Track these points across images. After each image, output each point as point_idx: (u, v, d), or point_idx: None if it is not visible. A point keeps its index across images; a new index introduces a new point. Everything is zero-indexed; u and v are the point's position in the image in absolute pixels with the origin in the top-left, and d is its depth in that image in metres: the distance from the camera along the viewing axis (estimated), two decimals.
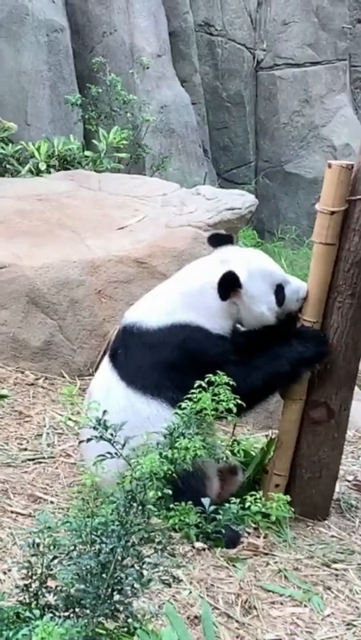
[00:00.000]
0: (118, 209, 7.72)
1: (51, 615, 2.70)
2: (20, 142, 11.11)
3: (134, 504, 2.86)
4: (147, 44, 13.61)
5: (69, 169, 10.40)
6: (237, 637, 3.90)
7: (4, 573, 4.00)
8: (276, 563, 4.53)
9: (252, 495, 3.12)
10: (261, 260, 5.12)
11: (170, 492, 2.96)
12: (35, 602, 2.90)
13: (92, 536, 2.87)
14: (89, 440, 3.19)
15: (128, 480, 2.88)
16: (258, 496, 3.13)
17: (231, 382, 4.07)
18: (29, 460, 5.31)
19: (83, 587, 2.83)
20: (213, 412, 3.91)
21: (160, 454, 2.91)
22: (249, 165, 15.17)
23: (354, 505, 5.29)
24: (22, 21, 12.76)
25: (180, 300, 4.89)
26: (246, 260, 4.97)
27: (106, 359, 5.05)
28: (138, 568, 2.90)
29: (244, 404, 4.27)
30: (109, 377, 4.84)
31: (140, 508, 2.86)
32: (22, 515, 4.60)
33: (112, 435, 3.14)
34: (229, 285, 4.81)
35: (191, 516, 3.35)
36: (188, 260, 5.24)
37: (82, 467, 5.08)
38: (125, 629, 2.94)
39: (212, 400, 3.66)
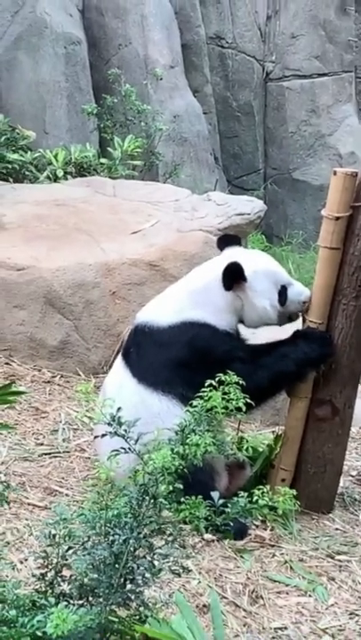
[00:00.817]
0: (132, 214, 7.72)
1: (65, 603, 2.70)
2: (39, 150, 11.12)
3: (147, 497, 2.86)
4: (160, 56, 13.61)
5: (85, 176, 10.41)
6: (245, 625, 3.90)
7: (21, 562, 4.00)
8: (282, 554, 4.53)
9: (259, 489, 3.11)
10: (267, 260, 5.14)
11: (181, 486, 2.95)
12: (50, 590, 2.90)
13: (106, 528, 2.86)
14: (103, 436, 3.19)
15: (141, 474, 2.88)
16: (265, 490, 3.13)
17: (241, 381, 4.07)
18: (45, 454, 5.31)
19: (96, 576, 2.82)
20: (223, 411, 3.90)
21: (172, 450, 2.90)
22: (258, 172, 15.16)
23: (357, 499, 5.28)
24: (41, 34, 12.77)
25: (187, 299, 4.90)
26: (253, 259, 4.99)
27: (119, 357, 5.06)
28: (149, 559, 2.89)
29: (251, 402, 4.26)
30: (122, 374, 4.86)
31: (152, 501, 2.86)
32: (38, 507, 4.61)
33: (126, 431, 3.13)
34: (233, 275, 4.82)
35: (201, 509, 3.34)
36: (199, 263, 5.24)
37: (96, 461, 5.09)
38: (137, 617, 2.94)
39: (222, 399, 3.65)
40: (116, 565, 2.80)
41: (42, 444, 5.45)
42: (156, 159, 12.50)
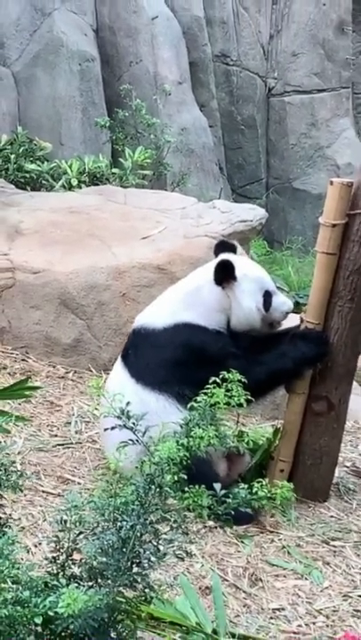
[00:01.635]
0: (142, 221, 7.72)
1: (76, 584, 2.70)
2: (55, 160, 11.14)
3: (153, 486, 2.86)
4: (169, 72, 13.59)
5: (98, 184, 10.40)
6: (244, 606, 3.90)
7: (35, 546, 4.01)
8: (280, 540, 4.54)
9: (258, 482, 3.12)
10: (258, 267, 5.18)
11: (185, 476, 2.96)
12: (62, 572, 2.91)
13: (115, 514, 2.87)
14: (113, 428, 3.20)
15: (147, 465, 2.88)
16: (264, 482, 3.14)
17: (243, 379, 4.07)
18: (59, 445, 5.32)
19: (105, 559, 2.83)
20: (226, 406, 3.90)
21: (177, 442, 2.91)
22: (260, 182, 15.13)
23: (351, 488, 5.28)
24: (57, 52, 12.78)
25: (181, 301, 4.93)
26: (244, 263, 5.03)
27: (118, 359, 5.07)
28: (155, 543, 2.90)
29: (250, 397, 4.26)
30: (121, 375, 4.86)
31: (157, 490, 2.86)
32: (52, 494, 4.62)
33: (134, 424, 3.14)
34: (224, 271, 4.84)
35: (204, 498, 3.33)
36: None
37: (105, 452, 5.09)
38: (143, 598, 2.94)
39: (225, 395, 3.66)
40: (124, 550, 2.80)
41: (56, 436, 5.45)
42: (164, 169, 12.48)
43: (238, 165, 15.08)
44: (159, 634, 3.43)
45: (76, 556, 2.94)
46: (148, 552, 2.87)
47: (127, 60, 13.53)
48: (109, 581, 2.80)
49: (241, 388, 3.36)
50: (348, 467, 5.59)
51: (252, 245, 10.09)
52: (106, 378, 6.12)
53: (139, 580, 2.86)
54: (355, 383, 5.21)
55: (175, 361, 4.78)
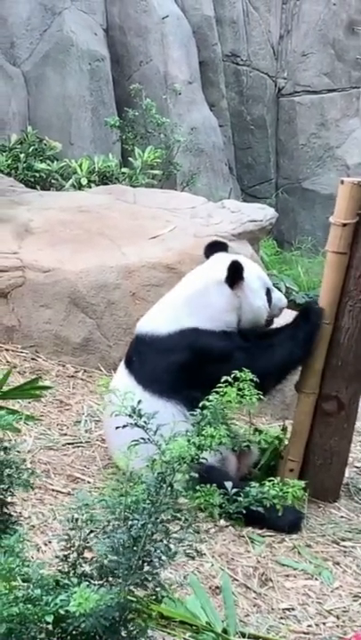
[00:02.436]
0: (151, 220, 7.71)
1: (87, 583, 2.70)
2: (65, 160, 11.14)
3: (164, 485, 2.85)
4: (179, 72, 13.59)
5: (108, 184, 10.40)
6: (254, 606, 3.90)
7: (45, 545, 4.01)
8: (290, 540, 4.54)
9: (270, 480, 3.12)
10: (255, 264, 5.18)
11: (196, 475, 2.95)
12: (73, 571, 2.90)
13: (125, 513, 2.86)
14: (124, 427, 3.19)
15: (158, 463, 2.87)
16: (276, 481, 3.13)
17: (255, 379, 4.06)
18: (69, 444, 5.32)
19: (116, 558, 2.82)
20: (237, 405, 3.89)
21: (188, 440, 2.90)
22: (270, 182, 15.12)
23: None
24: (68, 51, 12.79)
25: (185, 305, 4.91)
26: (244, 261, 5.02)
27: (121, 365, 5.06)
28: (165, 542, 2.89)
29: (262, 386, 4.26)
30: (126, 382, 4.81)
31: (169, 488, 2.86)
32: (62, 493, 4.62)
33: (145, 422, 3.13)
34: (237, 273, 4.84)
35: (215, 497, 3.33)
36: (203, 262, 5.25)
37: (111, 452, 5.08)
38: (154, 597, 2.94)
39: (237, 394, 3.65)
40: (135, 548, 2.80)
41: (65, 435, 5.45)
42: (174, 169, 12.48)
43: (248, 165, 15.07)
44: (169, 633, 3.43)
45: (86, 554, 2.93)
46: (158, 551, 2.86)
47: (137, 60, 13.53)
48: (120, 580, 2.79)
49: (253, 387, 3.36)
50: (358, 467, 5.59)
51: (262, 245, 10.08)
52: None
53: (149, 578, 2.85)
54: None
55: (183, 366, 4.78)
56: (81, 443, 5.36)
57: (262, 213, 8.02)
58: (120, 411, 3.19)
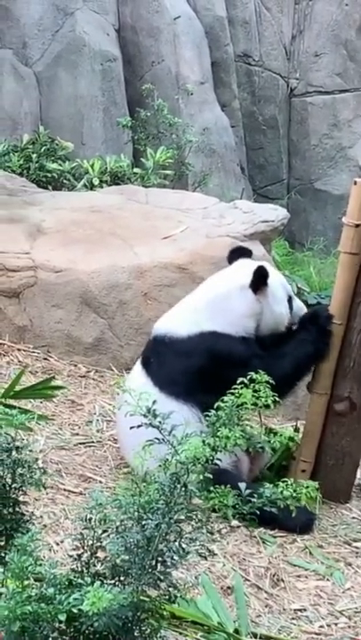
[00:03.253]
0: (163, 220, 7.72)
1: (100, 582, 2.70)
2: (76, 160, 11.17)
3: (178, 485, 2.86)
4: (191, 72, 13.58)
5: (120, 184, 10.41)
6: (266, 606, 3.90)
7: (57, 544, 4.02)
8: (302, 540, 4.54)
9: (283, 481, 3.12)
10: (278, 272, 5.20)
11: (210, 475, 2.96)
12: (86, 570, 2.91)
13: (139, 513, 2.87)
14: (139, 426, 3.20)
15: (173, 464, 2.88)
16: (289, 482, 3.14)
17: (271, 380, 4.08)
18: (81, 443, 5.33)
19: (129, 558, 2.83)
20: (253, 407, 3.91)
21: (203, 441, 2.91)
22: (282, 182, 15.10)
23: None
24: (80, 52, 12.80)
25: (206, 309, 4.91)
26: (268, 268, 5.03)
27: (138, 366, 5.05)
28: (178, 542, 2.90)
29: (279, 392, 4.28)
30: (143, 382, 4.80)
31: (183, 489, 2.86)
32: (74, 492, 4.62)
33: (160, 422, 3.14)
34: (262, 278, 4.84)
35: (229, 497, 3.35)
36: (226, 267, 5.24)
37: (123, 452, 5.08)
38: (166, 597, 2.94)
39: (252, 396, 3.67)
40: (148, 548, 2.80)
41: (77, 434, 5.46)
42: (186, 169, 12.48)
43: (260, 166, 15.06)
44: (181, 633, 3.43)
45: (99, 553, 2.94)
46: (171, 551, 2.86)
47: (149, 60, 13.53)
48: (133, 580, 2.80)
49: (269, 389, 3.37)
50: None
51: (274, 246, 10.06)
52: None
53: (162, 578, 2.86)
54: None
55: (200, 369, 4.78)
56: (93, 442, 5.36)
57: (274, 214, 8.02)
58: (135, 411, 3.20)
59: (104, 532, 2.92)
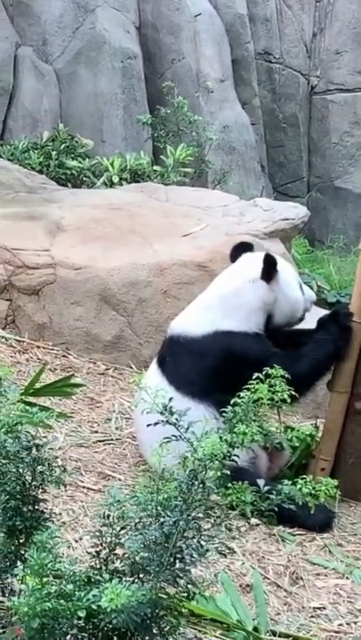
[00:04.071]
0: (183, 218, 7.72)
1: (118, 579, 2.71)
2: (96, 157, 11.19)
3: (196, 482, 2.86)
4: (211, 70, 13.58)
5: (140, 182, 10.42)
6: (285, 604, 3.90)
7: (76, 541, 4.03)
8: (321, 539, 4.53)
9: (303, 479, 3.12)
10: (281, 258, 5.20)
11: (228, 472, 2.96)
12: (105, 567, 2.91)
13: (157, 510, 2.87)
14: (156, 424, 3.20)
15: (191, 461, 2.88)
16: (308, 479, 3.13)
17: (286, 375, 4.07)
18: (100, 441, 5.34)
19: (147, 555, 2.83)
20: (269, 402, 3.89)
21: (220, 438, 2.91)
22: (302, 180, 15.08)
23: None
24: (100, 49, 12.81)
25: (219, 307, 4.91)
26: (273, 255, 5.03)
27: (153, 365, 5.05)
28: (197, 540, 2.90)
29: (296, 392, 4.27)
30: (158, 382, 4.79)
31: (201, 486, 2.86)
32: (93, 490, 4.63)
33: (177, 420, 3.14)
34: (272, 265, 4.84)
35: (247, 494, 3.34)
36: (229, 265, 5.25)
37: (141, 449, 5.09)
38: (185, 594, 2.94)
39: (268, 391, 3.66)
40: (166, 545, 2.81)
41: (96, 432, 5.47)
42: (206, 167, 12.48)
43: (280, 164, 15.04)
44: (200, 630, 3.43)
45: (118, 550, 2.94)
46: (190, 548, 2.86)
47: (169, 58, 13.54)
48: (152, 577, 2.80)
49: (285, 383, 3.36)
50: None
51: (294, 244, 10.06)
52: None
53: (181, 575, 2.86)
54: None
55: (216, 369, 4.78)
56: (112, 440, 5.37)
57: (294, 212, 8.02)
58: (152, 408, 3.20)
59: (123, 529, 2.92)
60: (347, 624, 3.84)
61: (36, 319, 6.74)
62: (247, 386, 3.30)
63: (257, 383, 3.30)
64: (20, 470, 3.06)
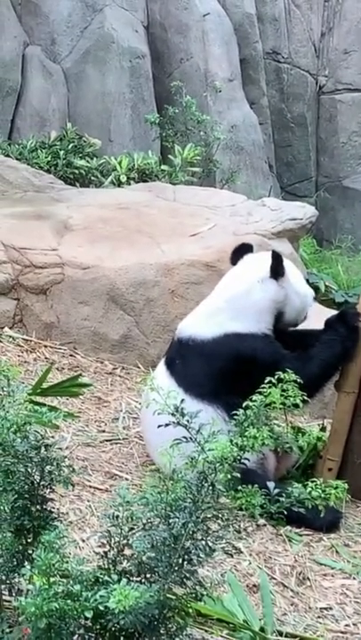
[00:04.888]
0: (191, 217, 7.73)
1: (126, 580, 2.71)
2: (104, 157, 11.20)
3: (205, 484, 2.86)
4: (220, 69, 13.57)
5: (147, 181, 10.43)
6: (292, 605, 3.90)
7: (83, 541, 4.03)
8: (328, 539, 4.53)
9: (312, 481, 3.12)
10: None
11: (238, 475, 2.95)
12: (112, 567, 2.91)
13: (166, 511, 2.87)
14: (167, 425, 3.19)
15: (200, 463, 2.88)
16: (318, 482, 3.13)
17: (298, 379, 4.07)
18: (107, 440, 5.34)
19: (155, 555, 2.83)
20: (281, 406, 3.89)
21: (230, 441, 2.91)
22: (310, 180, 15.07)
23: None
24: (108, 48, 12.81)
25: (228, 309, 4.89)
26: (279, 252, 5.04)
27: (161, 366, 5.04)
28: (205, 541, 2.90)
29: (307, 394, 4.27)
30: (167, 384, 4.77)
31: (210, 487, 2.86)
32: (100, 489, 4.64)
33: (188, 421, 3.14)
34: (280, 262, 4.84)
35: (257, 497, 3.34)
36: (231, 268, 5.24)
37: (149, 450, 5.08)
38: (193, 595, 2.94)
39: (281, 395, 3.65)
40: (175, 546, 2.80)
41: (103, 431, 5.47)
42: (213, 166, 12.47)
43: (288, 163, 15.03)
44: (206, 631, 3.43)
45: (126, 551, 2.94)
46: (198, 549, 2.86)
47: (178, 57, 13.53)
48: (160, 578, 2.80)
49: (297, 387, 3.36)
50: None
51: (302, 244, 10.05)
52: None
53: (189, 576, 2.85)
54: None
55: (225, 372, 4.77)
56: (119, 440, 5.38)
57: (302, 212, 8.02)
58: (163, 409, 3.20)
59: (131, 529, 2.92)
60: (354, 624, 3.84)
61: (43, 318, 6.74)
62: (259, 389, 3.29)
63: (269, 387, 3.30)
64: (29, 470, 3.06)
